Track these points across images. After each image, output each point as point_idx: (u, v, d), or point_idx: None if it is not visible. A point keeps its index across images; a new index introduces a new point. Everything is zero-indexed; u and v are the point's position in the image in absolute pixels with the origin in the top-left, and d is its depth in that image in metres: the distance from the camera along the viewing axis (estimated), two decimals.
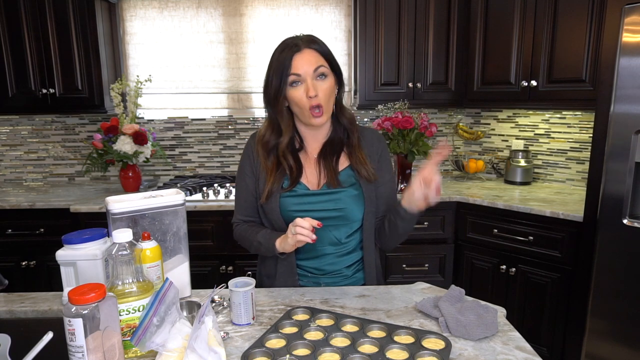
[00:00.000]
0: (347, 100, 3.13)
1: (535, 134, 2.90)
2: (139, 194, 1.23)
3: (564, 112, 2.76)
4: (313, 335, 1.04)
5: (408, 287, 1.35)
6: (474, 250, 2.55)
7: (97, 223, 2.40)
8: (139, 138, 2.63)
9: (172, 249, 1.26)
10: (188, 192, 2.64)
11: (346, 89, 3.08)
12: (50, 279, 2.60)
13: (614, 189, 1.94)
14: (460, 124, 3.15)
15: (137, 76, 2.97)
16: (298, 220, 1.17)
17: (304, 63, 1.25)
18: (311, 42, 1.28)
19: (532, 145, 2.92)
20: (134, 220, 1.17)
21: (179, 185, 2.75)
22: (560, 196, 2.54)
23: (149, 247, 1.09)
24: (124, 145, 2.59)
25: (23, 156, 3.17)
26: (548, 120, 2.83)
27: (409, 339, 1.02)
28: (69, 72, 2.72)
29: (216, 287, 1.10)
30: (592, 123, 2.05)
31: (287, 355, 0.95)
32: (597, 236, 2.01)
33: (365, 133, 1.41)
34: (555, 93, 2.43)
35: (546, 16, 2.40)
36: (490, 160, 3.08)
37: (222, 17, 3.03)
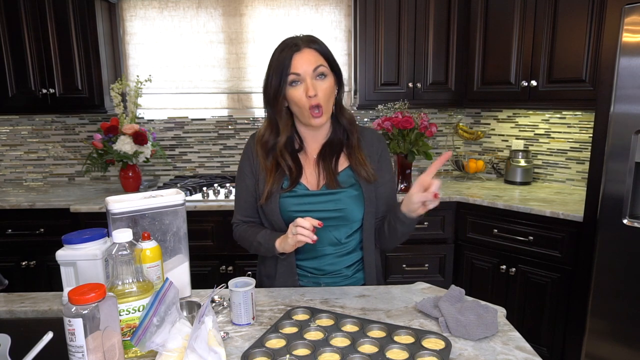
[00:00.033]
0: (347, 100, 3.13)
1: (535, 134, 2.90)
2: (139, 194, 1.23)
3: (564, 112, 2.76)
4: (313, 335, 1.04)
5: (408, 287, 1.35)
6: (474, 250, 2.55)
7: (97, 223, 2.40)
8: (139, 138, 2.63)
9: (172, 249, 1.26)
10: (188, 192, 2.64)
11: (346, 89, 3.08)
12: (50, 279, 2.60)
13: (614, 189, 1.94)
14: (460, 124, 3.15)
15: (137, 76, 2.97)
16: (299, 220, 1.17)
17: (304, 62, 1.24)
18: (311, 42, 1.28)
19: (532, 145, 2.92)
20: (134, 220, 1.17)
21: (179, 185, 2.75)
22: (560, 196, 2.54)
23: (149, 247, 1.09)
24: (124, 145, 2.59)
25: (23, 156, 3.17)
26: (548, 120, 2.83)
27: (409, 339, 1.02)
28: (69, 72, 2.72)
29: (216, 287, 1.10)
30: (592, 123, 2.05)
31: (287, 355, 0.95)
32: (597, 236, 2.01)
33: (365, 133, 1.41)
34: (555, 93, 2.43)
35: (546, 16, 2.40)
36: (490, 160, 3.08)
37: (222, 17, 3.03)
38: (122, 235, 0.95)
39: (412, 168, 2.72)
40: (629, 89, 1.86)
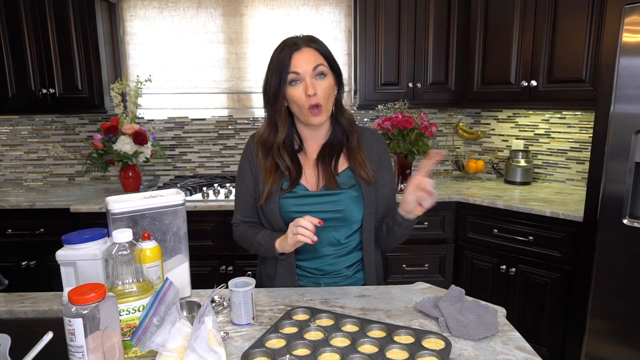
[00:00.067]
0: (347, 100, 3.13)
1: (535, 134, 2.90)
2: (139, 194, 1.23)
3: (564, 112, 2.76)
4: (313, 335, 1.04)
5: (408, 287, 1.35)
6: (474, 250, 2.55)
7: (97, 223, 2.40)
8: (139, 138, 2.63)
9: (172, 249, 1.26)
10: (188, 192, 2.64)
11: (346, 89, 3.08)
12: (50, 279, 2.60)
13: (614, 189, 1.94)
14: (460, 124, 3.15)
15: (137, 76, 2.97)
16: (299, 220, 1.17)
17: (303, 61, 1.24)
18: (311, 42, 1.28)
19: (532, 145, 2.92)
20: (134, 220, 1.17)
21: (179, 185, 2.75)
22: (560, 196, 2.54)
23: (149, 247, 1.09)
24: (124, 145, 2.59)
25: (23, 156, 3.17)
26: (548, 120, 2.83)
27: (409, 339, 1.02)
28: (69, 72, 2.72)
29: (216, 287, 1.10)
30: (592, 123, 2.05)
31: (287, 355, 0.95)
32: (597, 236, 2.01)
33: (364, 134, 1.41)
34: (555, 93, 2.43)
35: (546, 16, 2.40)
36: (490, 160, 3.08)
37: (222, 17, 3.03)
38: (122, 235, 0.95)
39: (412, 168, 2.72)
40: (629, 89, 1.86)
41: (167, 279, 0.99)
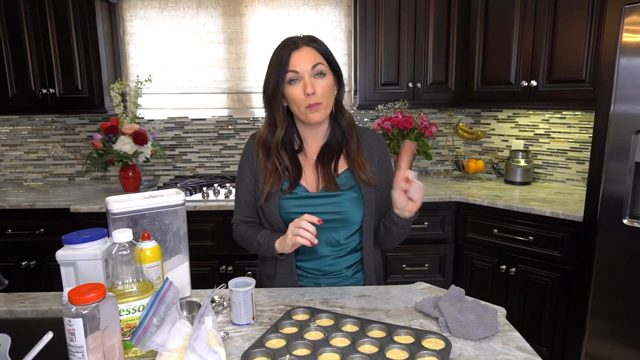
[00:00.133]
0: (347, 100, 3.13)
1: (535, 134, 2.90)
2: (139, 194, 1.23)
3: (564, 112, 2.76)
4: (313, 335, 1.04)
5: (408, 287, 1.35)
6: (474, 250, 2.55)
7: (97, 223, 2.40)
8: (139, 138, 2.63)
9: (172, 249, 1.26)
10: (188, 192, 2.64)
11: (346, 89, 3.08)
12: (50, 279, 2.60)
13: (614, 189, 1.94)
14: (460, 124, 3.15)
15: (137, 76, 2.97)
16: (300, 222, 1.17)
17: (302, 60, 1.24)
18: (310, 41, 1.28)
19: (532, 145, 2.92)
20: (134, 220, 1.17)
21: (179, 185, 2.75)
22: (560, 196, 2.54)
23: (149, 247, 1.09)
24: (124, 145, 2.59)
25: (23, 156, 3.17)
26: (548, 120, 2.83)
27: (409, 339, 1.02)
28: (69, 72, 2.72)
29: (216, 287, 1.10)
30: (592, 123, 2.05)
31: (287, 355, 0.95)
32: (597, 236, 2.01)
33: (365, 134, 1.41)
34: (555, 93, 2.43)
35: (546, 16, 2.40)
36: (490, 160, 3.08)
37: (222, 17, 3.03)
38: (122, 235, 0.95)
39: (412, 168, 2.72)
40: (629, 89, 1.86)
41: (167, 279, 0.99)
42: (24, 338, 0.97)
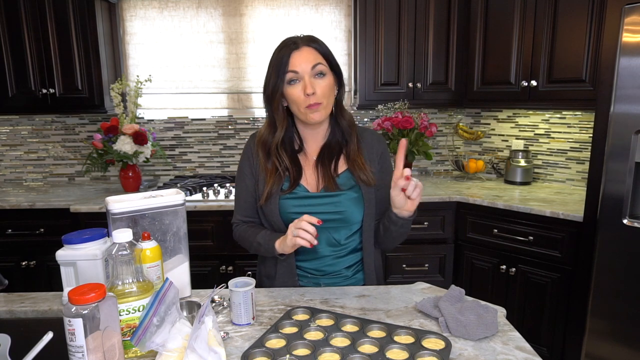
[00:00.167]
0: (347, 100, 3.13)
1: (535, 134, 2.90)
2: (139, 194, 1.23)
3: (564, 112, 2.76)
4: (313, 335, 1.04)
5: (408, 287, 1.35)
6: (474, 250, 2.55)
7: (97, 223, 2.40)
8: (139, 138, 2.63)
9: (172, 249, 1.26)
10: (188, 192, 2.64)
11: (346, 89, 3.07)
12: (50, 279, 2.60)
13: (614, 189, 1.94)
14: (460, 124, 3.15)
15: (137, 76, 2.97)
16: (300, 222, 1.17)
17: (302, 60, 1.24)
18: (310, 41, 1.28)
19: (532, 145, 2.92)
20: (134, 220, 1.17)
21: (179, 185, 2.75)
22: (560, 196, 2.54)
23: (149, 247, 1.09)
24: (124, 145, 2.59)
25: (23, 156, 3.17)
26: (548, 120, 2.83)
27: (409, 339, 1.02)
28: (69, 72, 2.72)
29: (216, 287, 1.10)
30: (592, 123, 2.05)
31: (287, 355, 0.95)
32: (597, 236, 2.01)
33: (364, 134, 1.41)
34: (555, 93, 2.43)
35: (546, 16, 2.40)
36: (490, 160, 3.08)
37: (222, 17, 3.03)
38: (122, 235, 0.95)
39: (412, 168, 2.72)
40: (629, 89, 1.86)
41: (167, 279, 0.99)
42: (24, 338, 0.97)
